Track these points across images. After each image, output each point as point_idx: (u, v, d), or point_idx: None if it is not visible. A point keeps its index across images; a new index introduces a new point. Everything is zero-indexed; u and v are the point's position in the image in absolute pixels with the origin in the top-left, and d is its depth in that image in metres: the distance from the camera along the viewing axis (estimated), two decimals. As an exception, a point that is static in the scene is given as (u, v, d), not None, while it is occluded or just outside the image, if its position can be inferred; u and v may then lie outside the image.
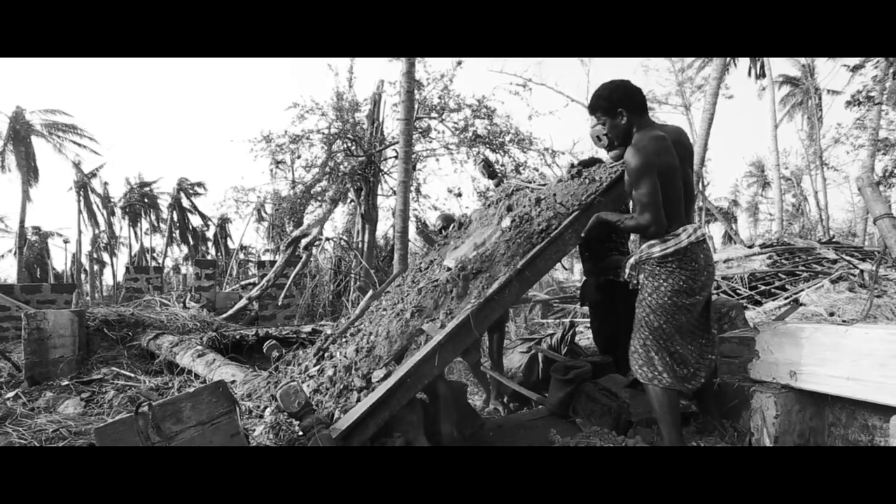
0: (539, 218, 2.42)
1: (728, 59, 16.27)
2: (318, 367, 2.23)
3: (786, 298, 5.96)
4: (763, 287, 6.47)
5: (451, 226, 3.66)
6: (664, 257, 2.24)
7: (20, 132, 22.99)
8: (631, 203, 2.28)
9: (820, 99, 22.54)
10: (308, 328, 6.09)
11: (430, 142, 12.73)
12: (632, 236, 3.96)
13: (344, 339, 2.52)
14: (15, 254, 23.99)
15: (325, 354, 2.42)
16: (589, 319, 4.07)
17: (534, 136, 12.21)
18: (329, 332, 2.92)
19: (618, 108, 2.27)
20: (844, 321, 5.29)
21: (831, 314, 5.42)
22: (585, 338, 5.22)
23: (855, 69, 13.97)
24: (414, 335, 1.95)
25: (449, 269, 2.25)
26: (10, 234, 24.74)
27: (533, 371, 4.08)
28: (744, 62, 22.38)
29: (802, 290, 6.16)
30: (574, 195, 2.52)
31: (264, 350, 3.12)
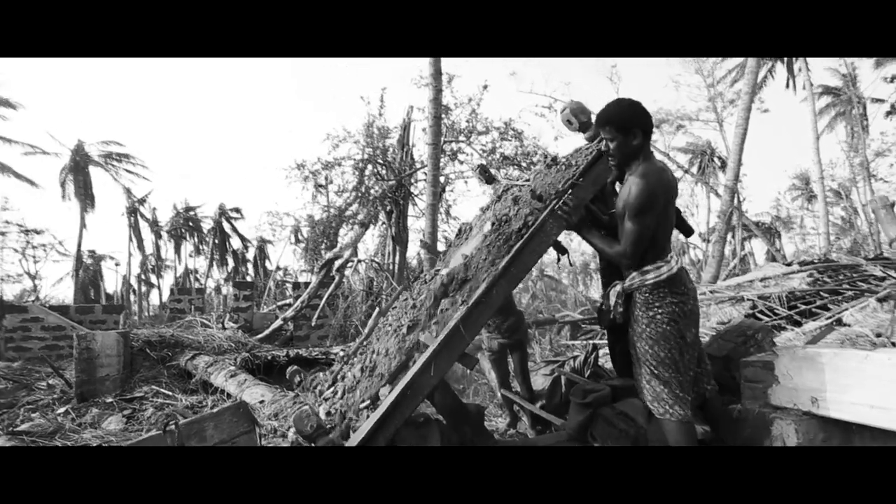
0: (516, 217, 2.40)
1: (760, 73, 15.87)
2: (332, 389, 2.32)
3: (828, 318, 5.70)
4: (803, 306, 6.21)
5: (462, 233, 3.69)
6: (657, 284, 2.23)
7: (79, 163, 24.64)
8: (621, 232, 2.22)
9: (864, 108, 21.64)
10: (337, 349, 6.24)
11: (460, 164, 12.93)
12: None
13: (354, 360, 2.60)
14: (72, 276, 25.49)
15: (339, 376, 2.51)
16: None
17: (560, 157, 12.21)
18: (342, 353, 3.02)
19: (635, 127, 2.20)
20: (895, 344, 5.03)
21: (878, 335, 5.16)
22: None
23: (893, 80, 13.39)
24: (413, 349, 1.98)
25: (442, 281, 2.29)
26: (69, 257, 26.30)
27: (556, 394, 4.05)
28: (781, 75, 21.80)
29: (846, 309, 5.88)
30: (552, 184, 2.46)
31: (287, 375, 3.24)
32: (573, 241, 18.67)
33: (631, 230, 2.15)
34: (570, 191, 2.33)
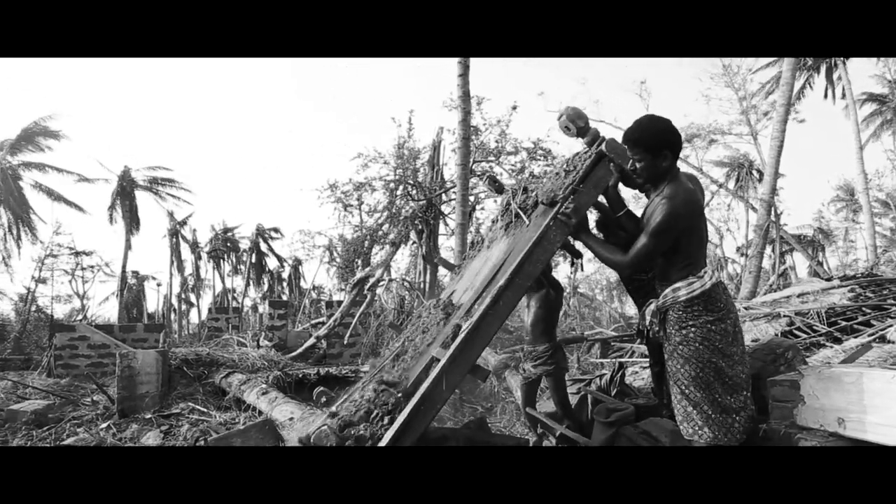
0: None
1: (797, 84, 15.46)
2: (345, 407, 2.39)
3: (870, 335, 5.45)
4: (844, 323, 5.96)
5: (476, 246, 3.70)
6: (690, 301, 2.18)
7: (126, 188, 25.98)
8: (633, 245, 2.18)
9: (913, 115, 20.70)
10: (367, 367, 6.35)
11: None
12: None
13: (370, 379, 2.67)
14: (117, 296, 26.68)
15: (358, 395, 2.58)
16: (648, 358, 3.96)
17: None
18: (365, 370, 3.08)
19: (665, 148, 2.14)
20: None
21: (926, 354, 4.90)
22: (641, 378, 5.05)
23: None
24: (429, 366, 2.01)
25: (450, 300, 2.32)
26: (114, 278, 27.60)
27: (582, 413, 4.01)
28: (819, 84, 21.16)
29: (891, 325, 5.62)
30: (552, 191, 2.45)
31: (314, 396, 3.32)
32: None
33: (643, 245, 2.14)
34: (571, 196, 2.32)
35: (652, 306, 2.31)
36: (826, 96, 21.55)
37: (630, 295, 3.52)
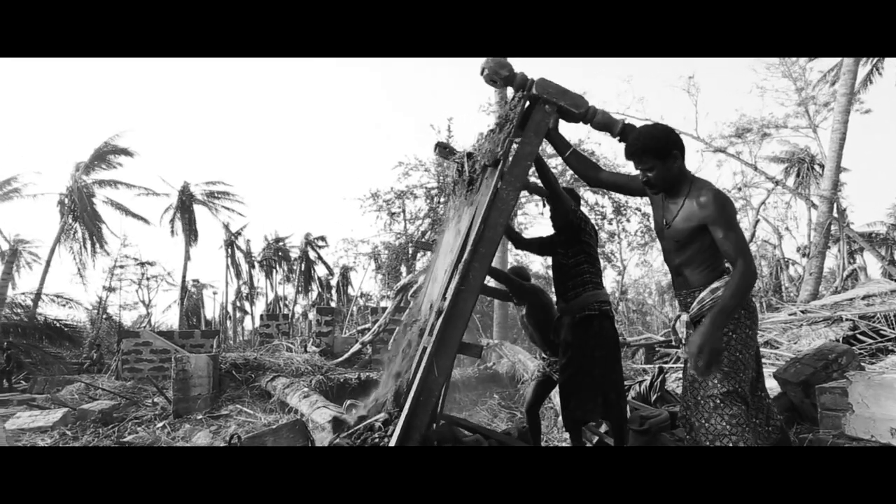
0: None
1: (861, 72, 14.43)
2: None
3: (946, 342, 5.01)
4: (916, 328, 5.50)
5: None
6: None
7: (185, 202, 27.56)
8: (723, 247, 1.97)
9: None
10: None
11: None
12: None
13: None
14: (178, 304, 28.27)
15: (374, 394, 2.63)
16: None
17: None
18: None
19: (673, 149, 2.06)
20: None
21: None
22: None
23: None
24: (422, 356, 1.97)
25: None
26: (175, 287, 29.25)
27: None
28: (891, 71, 19.63)
29: (971, 331, 5.14)
30: (492, 150, 2.28)
31: (343, 408, 3.40)
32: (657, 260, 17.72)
33: (736, 239, 1.92)
34: (511, 150, 2.18)
35: (683, 317, 2.12)
36: (897, 84, 19.98)
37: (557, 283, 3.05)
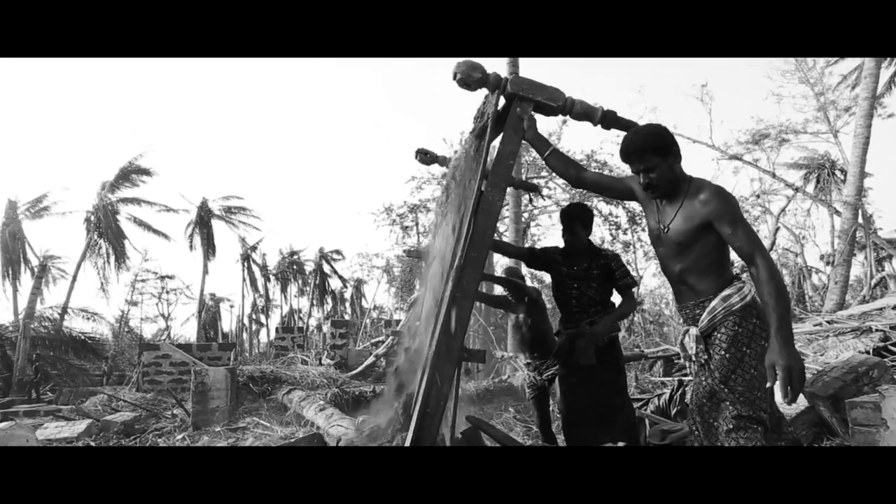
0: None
1: (883, 76, 14.16)
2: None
3: (983, 353, 4.82)
4: (951, 339, 5.30)
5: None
6: (746, 309, 1.84)
7: (204, 218, 28.06)
8: (734, 243, 1.83)
9: None
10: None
11: (544, 199, 12.91)
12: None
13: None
14: (196, 317, 28.66)
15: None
16: None
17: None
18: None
19: (672, 146, 1.95)
20: None
21: None
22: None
23: None
24: (425, 366, 1.95)
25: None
26: (194, 300, 29.70)
27: (639, 436, 3.83)
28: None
29: None
30: (473, 157, 2.25)
31: (355, 426, 3.38)
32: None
33: (746, 233, 1.78)
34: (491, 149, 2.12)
35: (692, 331, 1.96)
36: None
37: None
